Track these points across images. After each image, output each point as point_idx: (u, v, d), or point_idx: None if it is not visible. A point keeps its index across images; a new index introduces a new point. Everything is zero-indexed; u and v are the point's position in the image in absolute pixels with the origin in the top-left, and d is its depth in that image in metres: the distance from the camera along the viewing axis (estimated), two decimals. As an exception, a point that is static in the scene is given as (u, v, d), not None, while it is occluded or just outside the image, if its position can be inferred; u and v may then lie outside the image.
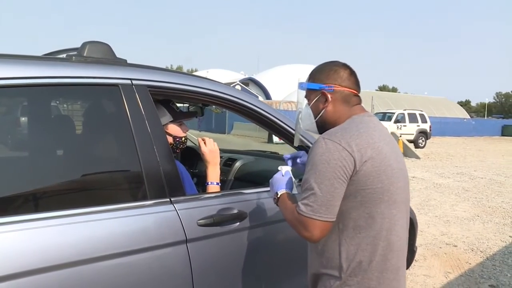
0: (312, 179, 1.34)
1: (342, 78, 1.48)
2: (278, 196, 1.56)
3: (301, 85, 1.55)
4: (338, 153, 1.31)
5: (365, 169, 1.32)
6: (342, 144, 1.33)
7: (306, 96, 1.56)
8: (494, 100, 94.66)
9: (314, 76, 1.53)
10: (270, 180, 1.65)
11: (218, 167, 2.10)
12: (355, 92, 1.51)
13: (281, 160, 1.95)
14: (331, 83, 1.48)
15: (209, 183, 2.05)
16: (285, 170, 1.64)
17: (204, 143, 2.08)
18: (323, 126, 1.51)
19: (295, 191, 1.61)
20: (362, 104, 1.55)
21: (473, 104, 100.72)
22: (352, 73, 1.51)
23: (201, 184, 2.59)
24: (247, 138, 21.33)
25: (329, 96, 1.48)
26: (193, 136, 2.80)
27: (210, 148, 2.07)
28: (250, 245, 1.92)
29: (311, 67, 1.61)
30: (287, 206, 1.48)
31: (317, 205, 1.32)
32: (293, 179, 1.63)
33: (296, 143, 1.76)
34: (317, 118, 1.52)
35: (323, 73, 1.51)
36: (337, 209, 1.34)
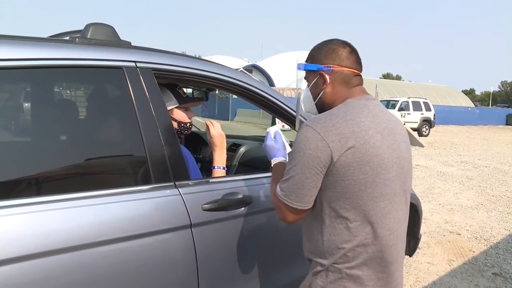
0: (290, 163, 1.32)
1: (341, 57, 1.39)
2: (272, 165, 1.54)
3: (299, 66, 1.47)
4: (314, 143, 1.25)
5: (345, 159, 1.24)
6: (321, 134, 1.25)
7: (305, 78, 1.49)
8: (499, 89, 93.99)
9: (313, 56, 1.45)
10: (263, 147, 1.64)
11: (225, 151, 2.08)
12: (356, 71, 1.41)
13: None
14: (329, 64, 1.39)
15: (215, 167, 2.03)
16: (274, 131, 1.60)
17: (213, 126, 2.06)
18: (322, 109, 1.44)
19: (289, 149, 1.56)
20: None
21: (477, 92, 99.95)
22: (353, 51, 1.42)
23: (205, 169, 2.58)
24: (250, 124, 21.34)
25: (327, 77, 1.40)
26: (199, 120, 2.78)
27: (219, 132, 2.05)
28: (255, 230, 1.91)
29: None
30: (271, 184, 1.47)
31: (289, 191, 1.31)
32: (283, 137, 1.60)
33: (297, 128, 1.72)
34: (316, 100, 1.46)
35: (321, 52, 1.42)
36: (310, 198, 1.31)
